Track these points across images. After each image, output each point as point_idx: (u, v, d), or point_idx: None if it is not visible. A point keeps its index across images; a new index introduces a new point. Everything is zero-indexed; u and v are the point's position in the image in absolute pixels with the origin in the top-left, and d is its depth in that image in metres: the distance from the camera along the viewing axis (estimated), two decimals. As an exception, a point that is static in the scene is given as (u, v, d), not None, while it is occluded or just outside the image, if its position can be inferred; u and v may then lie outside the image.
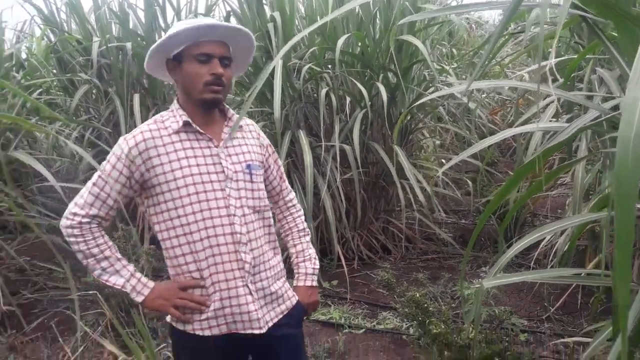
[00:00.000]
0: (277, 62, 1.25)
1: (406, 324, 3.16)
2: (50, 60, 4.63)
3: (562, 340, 2.69)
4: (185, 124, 1.48)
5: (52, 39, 4.73)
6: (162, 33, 4.85)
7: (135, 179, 1.46)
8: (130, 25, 4.81)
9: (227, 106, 1.60)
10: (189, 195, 1.44)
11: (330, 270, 4.01)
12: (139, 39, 4.66)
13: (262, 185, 1.59)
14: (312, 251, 1.74)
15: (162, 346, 2.87)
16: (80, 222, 1.44)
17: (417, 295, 2.33)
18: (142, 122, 4.34)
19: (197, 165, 1.46)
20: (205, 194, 1.45)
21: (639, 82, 0.88)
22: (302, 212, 1.78)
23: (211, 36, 1.46)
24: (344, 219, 4.00)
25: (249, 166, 1.53)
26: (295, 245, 1.73)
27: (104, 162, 1.48)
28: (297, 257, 1.72)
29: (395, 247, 4.39)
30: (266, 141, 1.66)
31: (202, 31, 1.44)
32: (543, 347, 2.84)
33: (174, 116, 1.50)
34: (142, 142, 1.44)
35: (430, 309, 2.29)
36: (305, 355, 1.71)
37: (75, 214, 1.45)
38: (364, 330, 3.16)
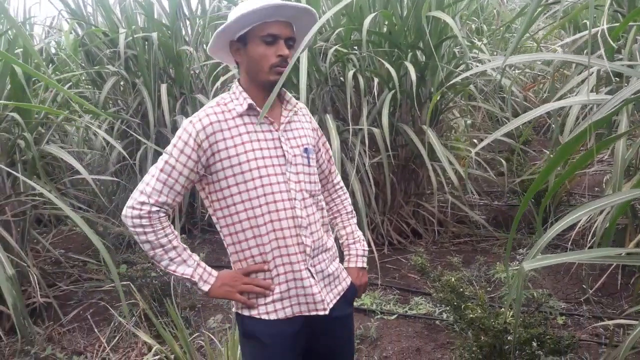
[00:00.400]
0: (302, 46, 1.22)
1: (439, 309, 3.10)
2: (78, 53, 4.68)
3: (601, 323, 2.59)
4: (250, 107, 1.46)
5: (80, 32, 4.78)
6: (187, 22, 4.86)
7: (202, 163, 1.43)
8: (155, 15, 4.81)
9: (284, 89, 1.57)
10: (253, 179, 1.42)
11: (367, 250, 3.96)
12: (164, 28, 4.67)
13: (317, 170, 1.59)
14: (360, 233, 1.75)
15: (195, 335, 2.89)
16: (150, 212, 1.40)
17: (453, 279, 2.26)
18: (170, 112, 4.41)
19: (261, 149, 1.44)
20: (269, 178, 1.44)
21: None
22: (348, 195, 1.78)
23: (278, 16, 1.43)
24: (373, 204, 3.94)
25: (306, 150, 1.53)
26: (344, 227, 1.74)
27: (168, 147, 1.45)
28: (347, 239, 1.73)
29: (426, 231, 4.31)
30: (316, 125, 1.66)
31: (270, 11, 1.41)
32: (582, 330, 2.74)
33: (237, 99, 1.48)
34: (209, 125, 1.42)
35: (466, 293, 2.23)
36: (354, 334, 1.74)
37: (143, 203, 1.40)
38: (396, 316, 3.12)
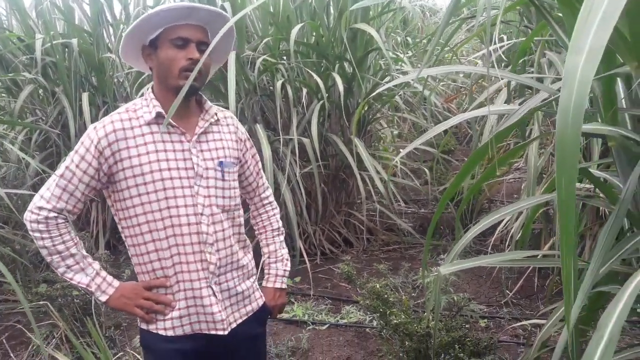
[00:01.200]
0: (210, 48, 1.19)
1: (369, 317, 3.14)
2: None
3: (520, 323, 2.72)
4: (158, 115, 1.40)
5: (-8, 37, 4.50)
6: (110, 28, 4.69)
7: (104, 171, 1.38)
8: (76, 21, 4.62)
9: (205, 98, 1.52)
10: (155, 191, 1.38)
11: (293, 267, 3.95)
12: (85, 34, 4.48)
13: (235, 184, 1.52)
14: (284, 252, 1.71)
15: (119, 355, 2.76)
16: (47, 217, 1.37)
17: (378, 286, 2.30)
18: (91, 121, 4.24)
19: (167, 160, 1.39)
20: (174, 191, 1.39)
21: (577, 51, 0.85)
22: (277, 210, 1.73)
23: (189, 19, 1.39)
24: (305, 214, 3.95)
25: (221, 163, 1.46)
26: (268, 245, 1.70)
27: (71, 153, 1.41)
28: (268, 257, 1.69)
29: (357, 239, 4.36)
30: (244, 135, 1.59)
31: (179, 13, 1.36)
32: (503, 331, 2.86)
33: (147, 106, 1.42)
34: (112, 132, 1.37)
35: (391, 299, 2.27)
36: (265, 353, 1.70)
37: (41, 208, 1.37)
38: (327, 325, 3.12)
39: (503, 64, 3.58)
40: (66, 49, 4.35)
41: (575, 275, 1.13)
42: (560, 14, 1.74)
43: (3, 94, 4.83)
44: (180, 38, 1.38)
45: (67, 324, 2.77)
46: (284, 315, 3.21)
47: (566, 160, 0.80)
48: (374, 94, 3.61)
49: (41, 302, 2.79)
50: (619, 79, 1.49)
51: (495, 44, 2.88)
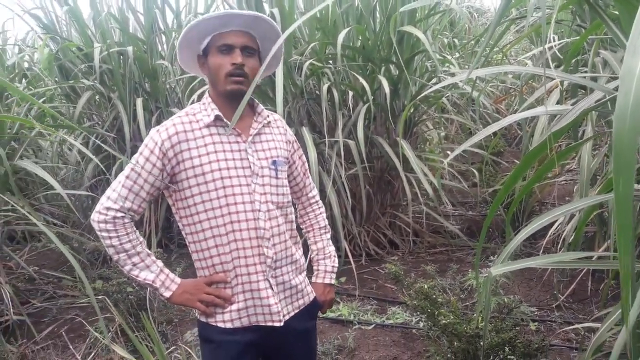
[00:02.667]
0: (269, 56, 1.24)
1: (416, 318, 3.13)
2: (52, 68, 4.65)
3: (572, 327, 2.65)
4: (217, 118, 1.49)
5: (53, 47, 4.75)
6: (162, 36, 4.87)
7: (167, 171, 1.46)
8: (131, 30, 4.82)
9: (257, 101, 1.60)
10: (216, 189, 1.45)
11: (338, 267, 3.99)
12: (139, 42, 4.67)
13: (286, 182, 1.60)
14: (332, 249, 1.76)
15: (172, 349, 2.87)
16: (114, 217, 1.44)
17: (426, 286, 2.30)
18: (146, 126, 4.40)
19: (226, 159, 1.46)
20: (232, 189, 1.46)
21: (635, 51, 0.85)
22: (323, 209, 1.80)
23: (231, 26, 1.46)
24: (350, 215, 3.98)
25: (274, 162, 1.54)
26: (316, 242, 1.76)
27: (135, 155, 1.49)
28: (317, 254, 1.75)
29: (402, 241, 4.35)
30: (292, 137, 1.67)
31: (219, 21, 1.45)
32: (554, 335, 2.80)
33: (205, 109, 1.51)
34: (175, 135, 1.45)
35: (439, 300, 2.27)
36: (316, 348, 1.76)
37: (109, 208, 1.45)
38: (373, 325, 3.14)
39: (554, 64, 3.51)
40: (121, 57, 4.55)
41: (633, 275, 1.12)
42: (616, 12, 1.71)
43: (63, 100, 5.09)
44: (224, 45, 1.46)
45: (123, 318, 2.89)
46: (330, 315, 3.25)
47: (623, 159, 0.80)
48: (421, 95, 3.61)
49: (98, 298, 2.92)
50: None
51: (547, 43, 2.83)
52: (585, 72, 2.91)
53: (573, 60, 2.89)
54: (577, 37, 2.51)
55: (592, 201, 1.74)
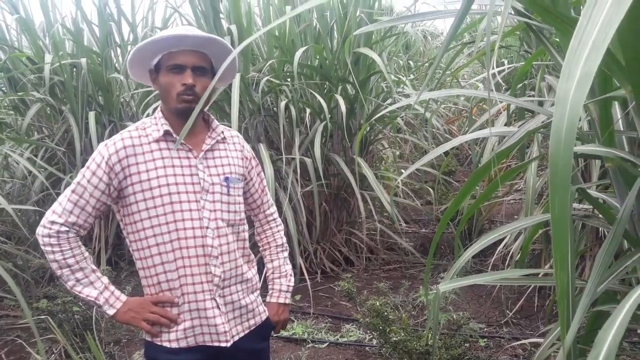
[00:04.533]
0: (216, 78, 1.24)
1: (369, 336, 3.15)
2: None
3: (519, 342, 2.72)
4: (166, 133, 1.47)
5: (2, 57, 4.59)
6: (118, 49, 4.78)
7: (114, 186, 1.44)
8: (85, 42, 4.71)
9: (212, 117, 1.59)
10: (162, 205, 1.43)
11: (293, 285, 3.97)
12: (94, 55, 4.57)
13: (240, 199, 1.58)
14: (288, 267, 1.75)
15: (118, 370, 2.77)
16: (58, 232, 1.41)
17: (377, 303, 2.32)
18: (98, 140, 4.29)
19: (174, 175, 1.45)
20: (180, 205, 1.44)
21: (570, 76, 0.90)
22: (282, 226, 1.79)
23: (182, 45, 1.45)
24: (306, 232, 3.97)
25: (226, 179, 1.52)
26: (272, 261, 1.74)
27: (82, 169, 1.47)
28: (272, 273, 1.73)
29: (358, 258, 4.38)
30: (250, 154, 1.66)
31: (169, 42, 1.44)
32: (502, 351, 2.86)
33: (155, 124, 1.49)
34: (123, 149, 1.43)
35: (391, 317, 2.29)
36: None
37: (53, 222, 1.42)
38: (327, 344, 3.13)
39: (503, 88, 3.65)
40: (74, 69, 4.43)
41: (571, 292, 1.16)
42: (558, 39, 1.80)
43: (11, 112, 4.91)
44: (175, 65, 1.45)
45: (67, 339, 2.78)
46: (284, 333, 3.22)
47: (559, 181, 0.84)
48: (376, 116, 3.68)
49: (42, 317, 2.81)
50: (615, 103, 1.53)
51: (494, 68, 2.95)
52: (533, 95, 3.04)
53: (520, 85, 3.02)
54: (524, 63, 2.63)
55: (536, 220, 1.82)
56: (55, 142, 4.44)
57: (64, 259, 1.42)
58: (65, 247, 1.42)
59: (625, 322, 1.04)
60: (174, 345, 1.48)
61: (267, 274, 1.75)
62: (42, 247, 1.43)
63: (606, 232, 2.20)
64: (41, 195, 4.40)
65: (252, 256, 1.65)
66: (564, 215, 0.85)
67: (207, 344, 1.50)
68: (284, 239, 1.77)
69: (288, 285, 1.73)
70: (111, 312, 1.47)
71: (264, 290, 1.68)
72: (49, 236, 1.42)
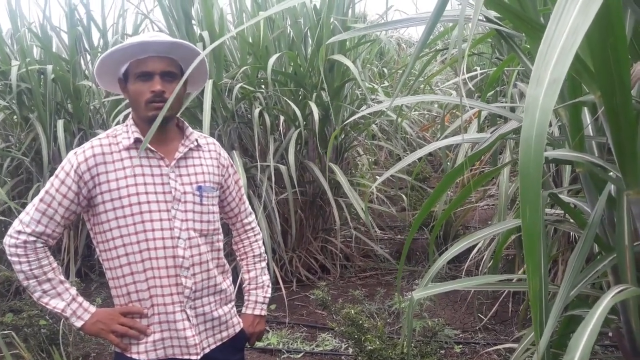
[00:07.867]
0: (181, 82, 1.21)
1: (345, 344, 3.12)
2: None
3: (494, 348, 2.73)
4: (137, 140, 1.43)
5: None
6: (87, 55, 4.69)
7: (83, 195, 1.40)
8: (54, 49, 4.61)
9: (187, 124, 1.55)
10: (132, 215, 1.39)
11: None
12: (62, 62, 4.47)
13: (214, 208, 1.53)
14: (265, 278, 1.70)
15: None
16: (25, 241, 1.37)
17: (352, 312, 2.30)
18: (67, 148, 4.19)
19: (145, 184, 1.41)
20: (150, 214, 1.40)
21: (539, 82, 0.89)
22: (260, 236, 1.74)
23: (149, 52, 1.41)
24: (281, 240, 3.93)
25: (200, 187, 1.48)
26: (249, 271, 1.70)
27: (51, 177, 1.43)
28: (249, 284, 1.69)
29: (334, 266, 4.35)
30: (227, 161, 1.61)
31: (134, 49, 1.40)
32: (478, 356, 2.87)
33: (126, 132, 1.45)
34: (92, 157, 1.40)
35: (366, 325, 2.26)
36: None
37: (20, 232, 1.38)
38: (302, 354, 3.09)
39: (476, 95, 3.69)
40: (42, 76, 4.33)
41: (544, 297, 1.16)
42: (528, 46, 1.82)
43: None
44: (142, 72, 1.42)
45: (33, 355, 2.69)
46: (259, 344, 3.16)
47: (529, 187, 0.83)
48: (348, 121, 3.68)
49: (6, 332, 2.71)
50: (585, 108, 1.55)
51: (464, 74, 2.98)
52: (505, 102, 3.08)
53: (492, 91, 3.05)
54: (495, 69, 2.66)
55: (509, 225, 1.82)
56: (22, 151, 4.32)
57: (31, 269, 1.38)
58: (33, 258, 1.38)
59: (597, 327, 1.04)
60: (143, 357, 1.44)
61: (243, 285, 1.71)
62: (9, 257, 1.39)
63: (578, 237, 2.22)
64: (6, 206, 4.26)
65: (227, 266, 1.61)
66: (535, 221, 0.84)
67: (177, 357, 1.46)
68: (262, 249, 1.73)
69: (264, 297, 1.69)
70: (79, 324, 1.42)
71: (240, 301, 1.64)
72: (16, 246, 1.37)
